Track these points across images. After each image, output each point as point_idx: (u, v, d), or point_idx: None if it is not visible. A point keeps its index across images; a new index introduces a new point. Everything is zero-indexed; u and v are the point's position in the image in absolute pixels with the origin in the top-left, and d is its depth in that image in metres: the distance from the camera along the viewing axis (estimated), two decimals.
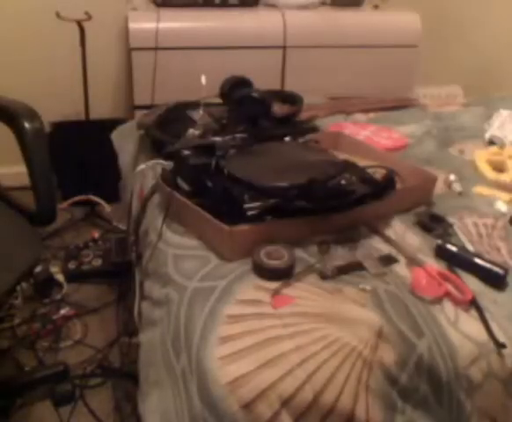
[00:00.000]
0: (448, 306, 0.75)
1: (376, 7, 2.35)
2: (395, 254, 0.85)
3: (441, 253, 0.85)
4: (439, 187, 1.06)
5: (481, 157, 1.21)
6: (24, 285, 1.70)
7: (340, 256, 0.83)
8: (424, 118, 1.51)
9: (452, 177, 1.10)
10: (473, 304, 0.75)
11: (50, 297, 1.69)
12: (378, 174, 0.97)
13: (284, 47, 2.11)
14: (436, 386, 0.68)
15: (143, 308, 0.92)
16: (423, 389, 0.68)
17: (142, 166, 1.14)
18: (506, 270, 0.80)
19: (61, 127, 2.25)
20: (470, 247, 0.88)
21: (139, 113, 1.58)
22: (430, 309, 0.74)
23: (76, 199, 2.17)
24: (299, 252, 0.82)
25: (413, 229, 0.92)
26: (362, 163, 1.01)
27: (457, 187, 1.07)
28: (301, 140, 1.12)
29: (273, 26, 2.10)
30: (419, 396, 0.68)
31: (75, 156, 2.12)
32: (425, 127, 1.44)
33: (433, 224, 0.92)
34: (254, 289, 0.74)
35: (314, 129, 1.27)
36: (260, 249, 0.79)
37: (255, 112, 1.20)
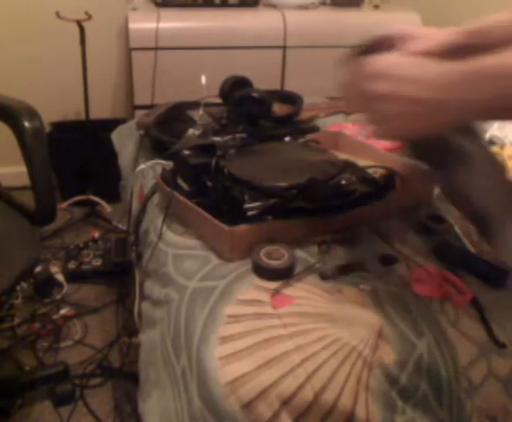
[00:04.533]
0: (448, 306, 0.75)
1: (376, 7, 2.35)
2: (395, 254, 0.85)
3: (441, 253, 0.85)
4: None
5: None
6: (24, 285, 1.71)
7: (340, 256, 0.83)
8: None
9: None
10: (473, 304, 0.75)
11: (50, 297, 1.69)
12: (378, 174, 0.97)
13: (284, 47, 2.11)
14: (436, 386, 0.68)
15: (143, 308, 0.92)
16: (423, 389, 0.68)
17: (142, 166, 1.14)
18: (506, 270, 0.80)
19: (61, 127, 2.25)
20: (470, 247, 0.88)
21: (139, 113, 1.58)
22: (430, 309, 0.74)
23: (76, 199, 2.17)
24: (299, 252, 0.82)
25: (413, 229, 0.92)
26: (361, 163, 1.01)
27: None
28: (301, 140, 1.12)
29: (273, 26, 2.10)
30: (419, 396, 0.68)
31: (75, 156, 2.13)
32: None
33: (433, 224, 0.92)
34: (254, 289, 0.75)
35: (314, 129, 1.27)
36: (260, 249, 0.79)
37: (255, 112, 1.20)
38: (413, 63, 0.63)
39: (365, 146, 1.16)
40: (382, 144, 1.27)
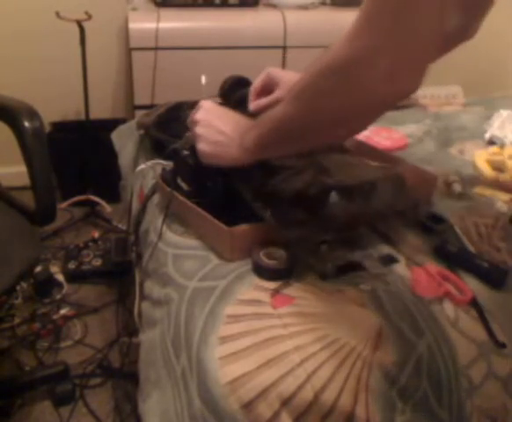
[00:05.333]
0: (448, 306, 0.75)
1: None
2: (395, 254, 0.85)
3: (441, 253, 0.85)
4: (439, 187, 1.06)
5: (481, 157, 1.21)
6: (24, 285, 1.71)
7: (340, 256, 0.83)
8: (424, 118, 1.51)
9: (452, 177, 1.10)
10: (473, 304, 0.75)
11: (50, 297, 1.69)
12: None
13: (284, 47, 2.11)
14: (436, 386, 0.68)
15: (143, 308, 0.92)
16: (423, 389, 0.68)
17: (142, 166, 1.14)
18: (506, 270, 0.80)
19: (61, 127, 2.25)
20: (470, 247, 0.88)
21: (139, 113, 1.58)
22: (430, 309, 0.74)
23: (76, 199, 2.17)
24: (299, 252, 0.82)
25: (413, 229, 0.92)
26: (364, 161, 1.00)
27: (457, 187, 1.07)
28: None
29: (273, 26, 2.10)
30: (419, 396, 0.68)
31: (75, 156, 2.13)
32: (425, 126, 1.44)
33: (433, 224, 0.92)
34: (254, 289, 0.75)
35: None
36: (260, 249, 0.79)
37: None
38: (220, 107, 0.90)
39: (365, 146, 1.16)
40: (382, 144, 1.27)
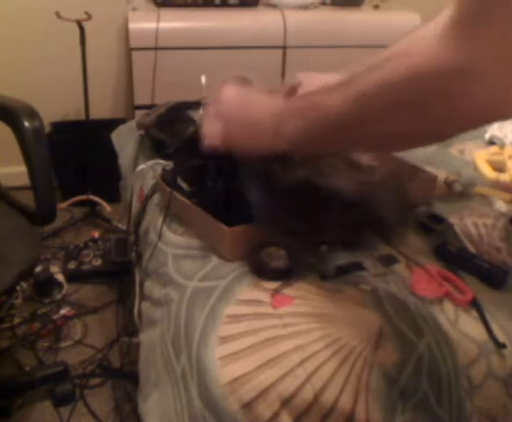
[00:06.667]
0: (448, 306, 0.75)
1: (376, 7, 2.35)
2: (395, 254, 0.85)
3: (441, 253, 0.85)
4: (439, 187, 1.06)
5: (481, 157, 1.21)
6: (24, 285, 1.70)
7: (340, 256, 0.83)
8: None
9: (452, 177, 1.10)
10: (473, 304, 0.75)
11: (50, 297, 1.69)
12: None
13: (284, 47, 2.11)
14: (436, 386, 0.68)
15: (143, 308, 0.92)
16: (423, 389, 0.68)
17: (142, 166, 1.14)
18: (506, 270, 0.80)
19: (61, 127, 2.25)
20: (470, 247, 0.88)
21: (139, 113, 1.58)
22: (430, 309, 0.74)
23: (76, 199, 2.17)
24: (299, 252, 0.82)
25: (413, 229, 0.92)
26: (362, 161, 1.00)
27: (458, 187, 1.07)
28: None
29: (273, 26, 2.10)
30: (419, 396, 0.68)
31: (75, 156, 2.13)
32: None
33: (433, 224, 0.92)
34: (254, 289, 0.75)
35: None
36: (260, 249, 0.79)
37: None
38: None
39: None
40: None
